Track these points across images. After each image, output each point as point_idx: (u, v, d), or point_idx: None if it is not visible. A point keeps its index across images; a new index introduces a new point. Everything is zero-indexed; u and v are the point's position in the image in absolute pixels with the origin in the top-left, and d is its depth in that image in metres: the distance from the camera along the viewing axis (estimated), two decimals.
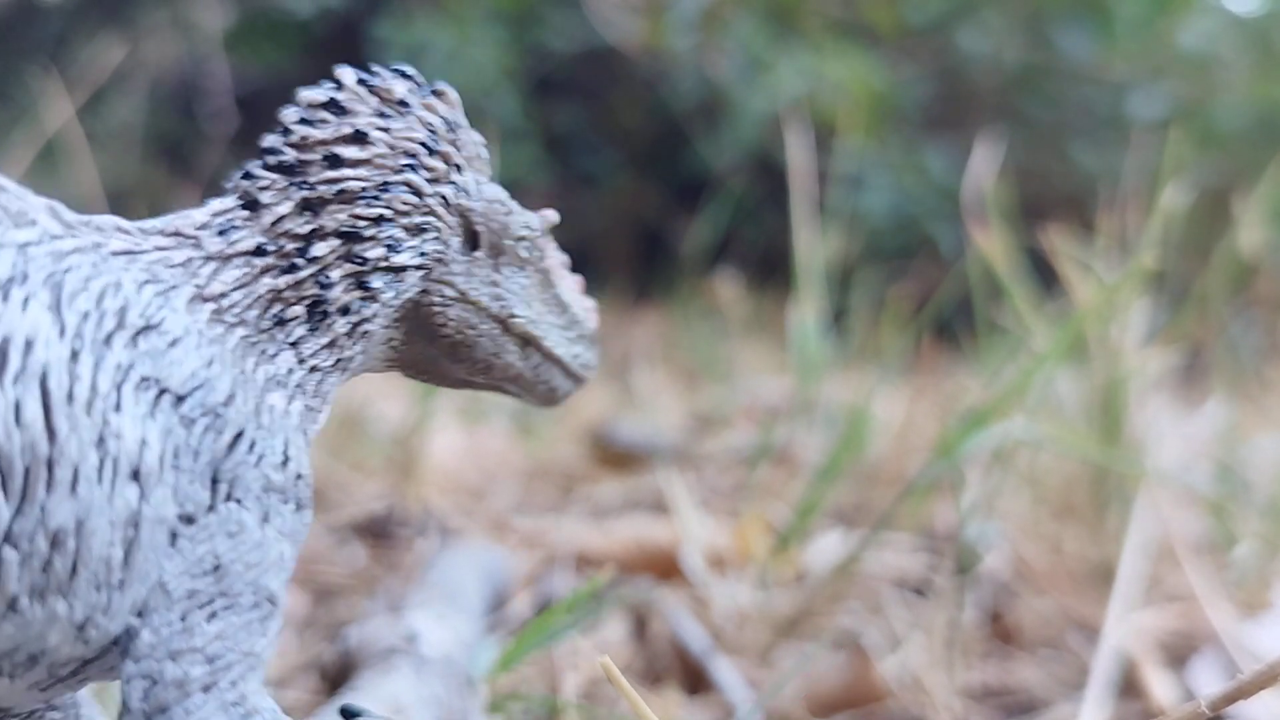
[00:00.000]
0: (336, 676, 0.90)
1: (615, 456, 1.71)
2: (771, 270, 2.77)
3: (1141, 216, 1.41)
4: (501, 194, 0.64)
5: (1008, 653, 1.11)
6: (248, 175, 0.59)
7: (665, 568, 1.23)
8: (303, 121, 0.59)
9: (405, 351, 0.63)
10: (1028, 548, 1.24)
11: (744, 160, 3.45)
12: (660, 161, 3.81)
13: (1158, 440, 1.31)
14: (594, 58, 3.83)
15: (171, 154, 3.74)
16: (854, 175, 2.87)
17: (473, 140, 0.64)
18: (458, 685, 0.85)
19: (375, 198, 0.59)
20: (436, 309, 0.62)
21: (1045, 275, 1.44)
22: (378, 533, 1.35)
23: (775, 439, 1.50)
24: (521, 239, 0.64)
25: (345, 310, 0.58)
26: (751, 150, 3.43)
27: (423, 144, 0.60)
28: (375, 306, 0.59)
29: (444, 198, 0.61)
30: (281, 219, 0.58)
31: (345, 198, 0.58)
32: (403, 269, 0.60)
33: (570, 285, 0.69)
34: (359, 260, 0.58)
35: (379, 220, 0.59)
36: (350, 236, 0.58)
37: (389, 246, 0.59)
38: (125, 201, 2.80)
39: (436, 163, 0.61)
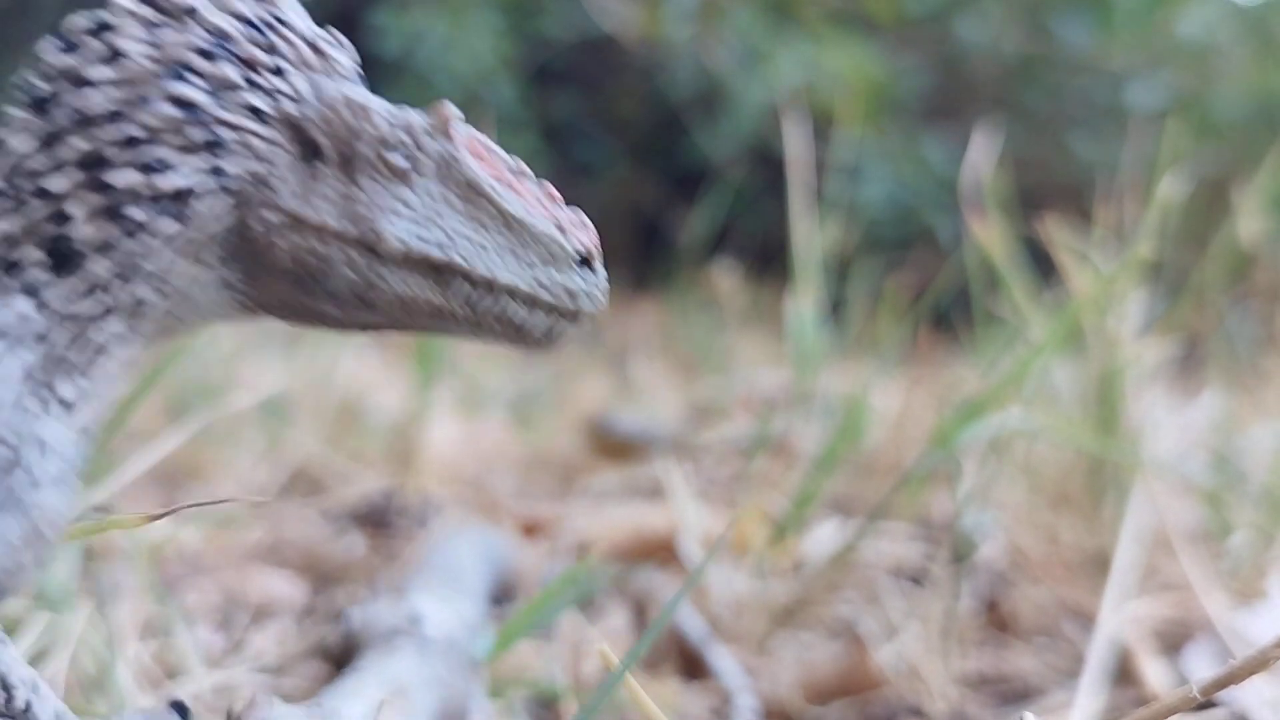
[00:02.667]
0: (340, 657, 0.90)
1: (613, 446, 1.71)
2: (769, 260, 2.77)
3: (1139, 207, 1.42)
4: (356, 93, 0.55)
5: (1003, 641, 1.12)
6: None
7: (663, 556, 1.24)
8: (60, 50, 0.53)
9: (257, 293, 0.55)
10: (1024, 537, 1.24)
11: (742, 150, 3.45)
12: (658, 151, 3.81)
13: (1154, 430, 1.31)
14: (592, 47, 3.83)
15: None
16: (852, 165, 2.87)
17: (305, 36, 0.56)
18: (460, 666, 0.86)
19: (124, 116, 0.51)
20: (262, 238, 0.53)
21: (1043, 265, 1.44)
22: (376, 522, 1.36)
23: (773, 429, 1.50)
24: (390, 144, 0.55)
25: (106, 249, 0.51)
26: (750, 140, 3.44)
27: (198, 49, 0.52)
28: (151, 242, 0.51)
29: (251, 107, 0.53)
30: (23, 158, 0.51)
31: (88, 123, 0.51)
32: (182, 195, 0.51)
33: (529, 195, 0.58)
34: (106, 189, 0.51)
35: (130, 142, 0.51)
36: (94, 163, 0.51)
37: (148, 170, 0.51)
38: None
39: (224, 69, 0.52)
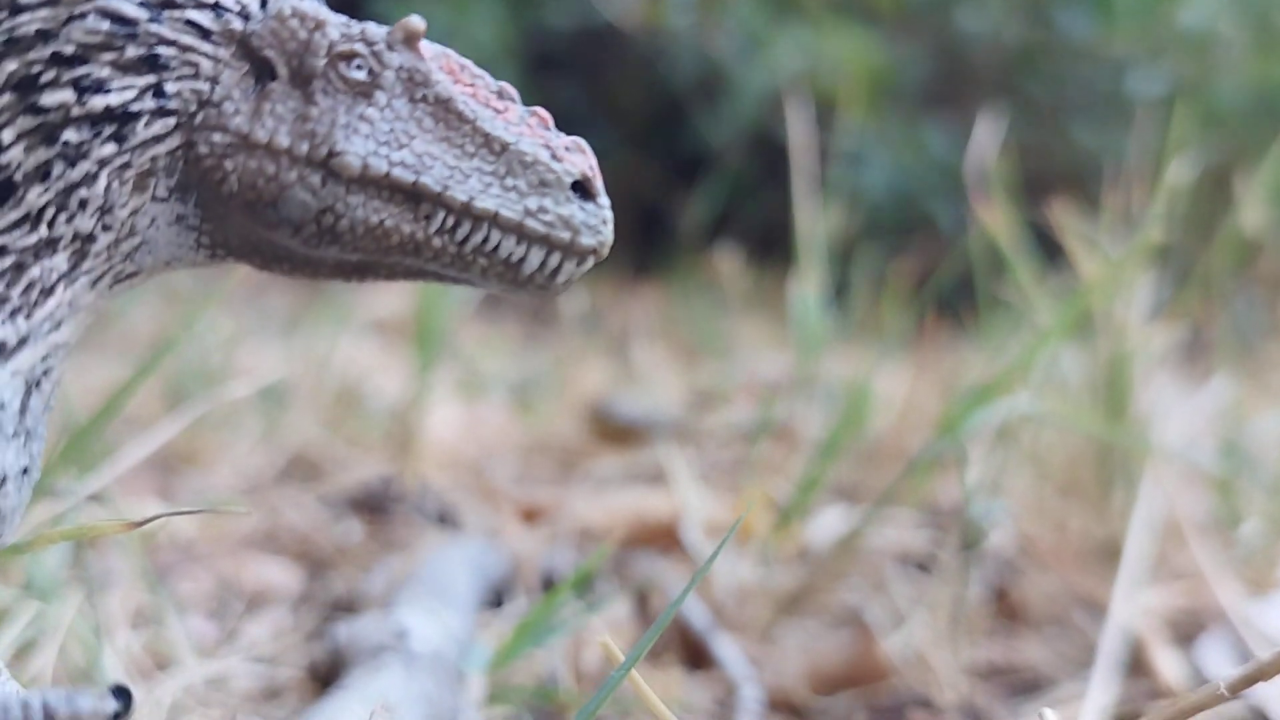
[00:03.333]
0: (327, 675, 0.88)
1: (615, 431, 1.70)
2: (771, 246, 2.75)
3: (1144, 193, 1.40)
4: (308, 6, 0.52)
5: (1013, 630, 1.10)
6: None
7: (665, 543, 1.22)
8: None
9: (215, 231, 0.51)
10: (1032, 524, 1.23)
11: (743, 137, 3.44)
12: (659, 138, 3.80)
13: (1163, 417, 1.30)
14: (593, 35, 3.81)
15: None
16: (854, 152, 2.85)
17: None
18: (448, 681, 0.84)
19: (52, 35, 0.48)
20: (209, 161, 0.50)
21: (1049, 250, 1.43)
22: (374, 507, 1.34)
23: (776, 414, 1.49)
24: (346, 55, 0.51)
25: (42, 176, 0.48)
26: (751, 127, 3.42)
27: None
28: (86, 166, 0.48)
29: (193, 24, 0.49)
30: None
31: (18, 46, 0.48)
32: (119, 116, 0.48)
33: (515, 119, 0.53)
34: (37, 110, 0.48)
35: (60, 59, 0.48)
36: (24, 85, 0.47)
37: (80, 89, 0.48)
38: None
39: None
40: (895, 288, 1.75)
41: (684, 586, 1.09)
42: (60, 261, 0.49)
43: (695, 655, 1.01)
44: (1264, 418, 1.61)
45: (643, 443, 1.63)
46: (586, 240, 0.52)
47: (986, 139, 1.47)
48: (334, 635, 0.90)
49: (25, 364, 0.48)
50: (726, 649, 1.00)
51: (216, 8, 0.50)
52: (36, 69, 0.48)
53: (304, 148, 0.50)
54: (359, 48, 0.52)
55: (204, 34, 0.50)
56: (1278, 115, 3.56)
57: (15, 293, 0.48)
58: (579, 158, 0.53)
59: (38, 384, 0.49)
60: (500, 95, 0.53)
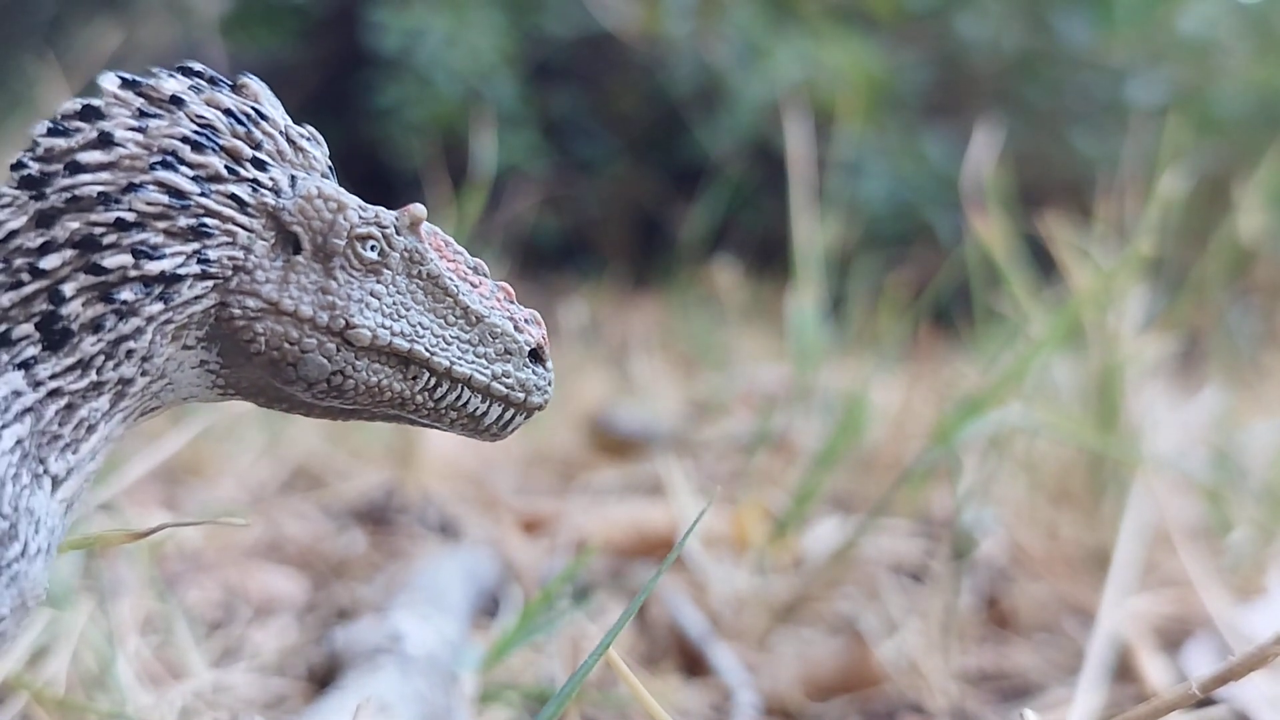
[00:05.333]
0: (324, 677, 0.91)
1: (614, 443, 1.71)
2: (769, 257, 2.77)
3: (1140, 202, 1.42)
4: (331, 189, 0.58)
5: (1004, 637, 1.12)
6: None
7: (663, 553, 1.24)
8: (52, 133, 0.54)
9: (232, 376, 0.57)
10: (1024, 533, 1.24)
11: (742, 147, 3.45)
12: (658, 148, 3.81)
13: (1154, 426, 1.32)
14: (592, 44, 3.82)
15: None
16: (852, 162, 2.87)
17: (285, 132, 0.58)
18: (441, 682, 0.87)
19: (115, 201, 0.53)
20: (240, 322, 0.55)
21: (1043, 262, 1.44)
22: (377, 519, 1.36)
23: (773, 426, 1.51)
24: (363, 238, 0.57)
25: (95, 328, 0.53)
26: (749, 137, 3.43)
27: (186, 139, 0.54)
28: (136, 322, 0.53)
29: (234, 197, 0.55)
30: (13, 234, 0.53)
31: (80, 205, 0.53)
32: (168, 278, 0.53)
33: (488, 293, 0.60)
34: (98, 270, 0.53)
35: (119, 225, 0.53)
36: (87, 245, 0.53)
37: (138, 253, 0.53)
38: None
39: (210, 159, 0.55)
40: (892, 299, 1.77)
41: (682, 596, 1.12)
42: (104, 403, 0.54)
43: (692, 662, 1.03)
44: (1255, 427, 1.63)
45: (641, 454, 1.64)
46: (536, 399, 0.61)
47: (984, 150, 1.48)
48: (331, 639, 0.92)
49: (70, 492, 0.54)
50: (723, 656, 1.01)
51: (255, 184, 0.56)
52: (99, 230, 0.53)
53: (325, 319, 0.56)
54: (374, 231, 0.57)
55: (242, 207, 0.56)
56: (1276, 122, 3.57)
57: (67, 430, 0.53)
58: (535, 330, 0.61)
59: (71, 505, 0.55)
60: (476, 270, 0.60)
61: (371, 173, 3.53)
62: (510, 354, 0.60)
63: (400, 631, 0.90)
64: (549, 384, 0.62)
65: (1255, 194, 1.65)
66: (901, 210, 3.46)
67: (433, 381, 0.59)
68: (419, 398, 0.59)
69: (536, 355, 0.61)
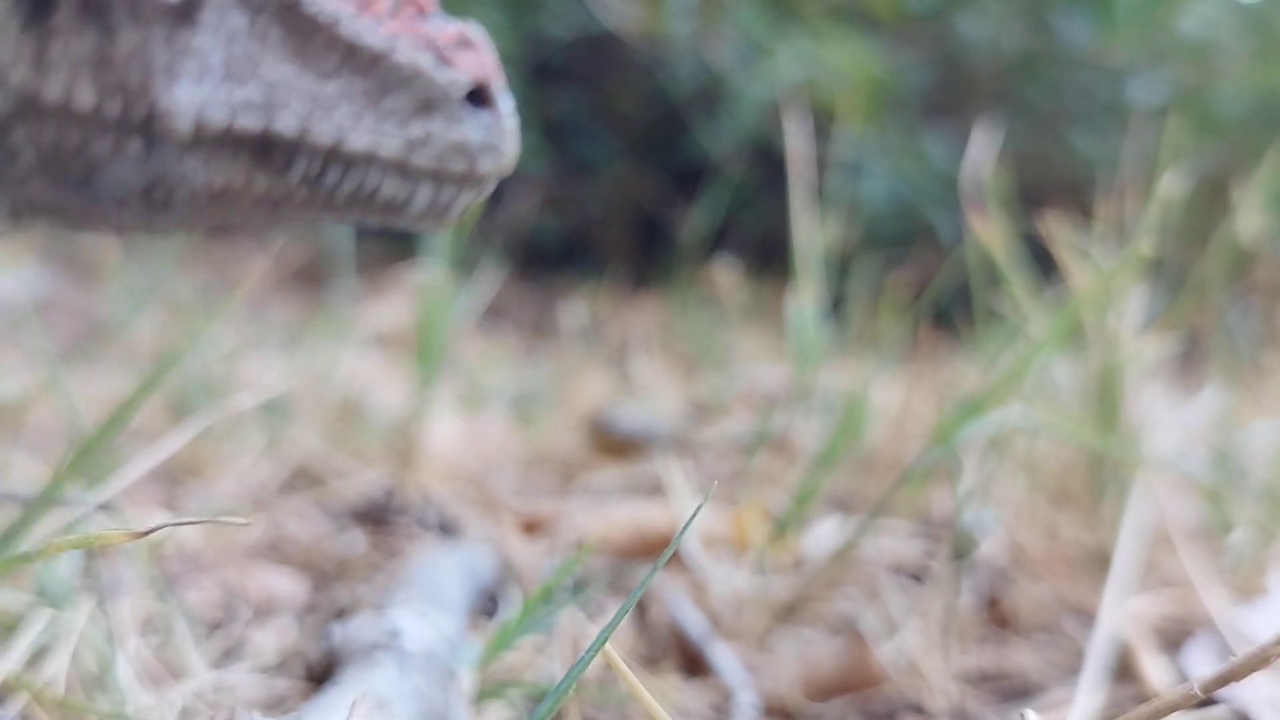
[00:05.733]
0: (322, 673, 0.91)
1: (614, 444, 1.71)
2: (770, 257, 2.77)
3: (1140, 203, 1.42)
4: None
5: (1004, 637, 1.12)
6: None
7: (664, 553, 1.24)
8: None
9: (17, 195, 0.39)
10: (1024, 533, 1.24)
11: (743, 147, 3.45)
12: (659, 148, 3.81)
13: (1154, 427, 1.32)
14: (592, 44, 3.83)
15: None
16: (853, 162, 2.87)
17: None
18: (439, 679, 0.87)
19: None
20: None
21: (1043, 262, 1.44)
22: (377, 519, 1.36)
23: (773, 426, 1.51)
24: None
25: None
26: (750, 137, 3.43)
27: None
28: None
29: None
30: None
31: None
32: None
33: (384, 12, 0.39)
34: None
35: None
36: None
37: None
38: None
39: None
40: (892, 299, 1.77)
41: (683, 596, 1.12)
42: None
43: (692, 662, 1.03)
44: (1256, 427, 1.63)
45: (642, 454, 1.64)
46: (485, 164, 0.42)
47: (984, 150, 1.48)
48: (329, 635, 0.92)
49: None
50: (723, 656, 1.01)
51: None
52: None
53: (115, 106, 0.37)
54: None
55: None
56: (1277, 123, 3.57)
57: None
58: (469, 57, 0.41)
59: None
60: None
61: None
62: (432, 104, 0.41)
63: (398, 628, 0.90)
64: (503, 134, 0.42)
65: (1255, 194, 1.65)
66: (902, 210, 3.46)
67: (314, 167, 0.39)
68: (300, 192, 0.40)
69: (479, 96, 0.42)
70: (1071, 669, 1.02)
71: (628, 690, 0.64)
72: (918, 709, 0.97)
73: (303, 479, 1.52)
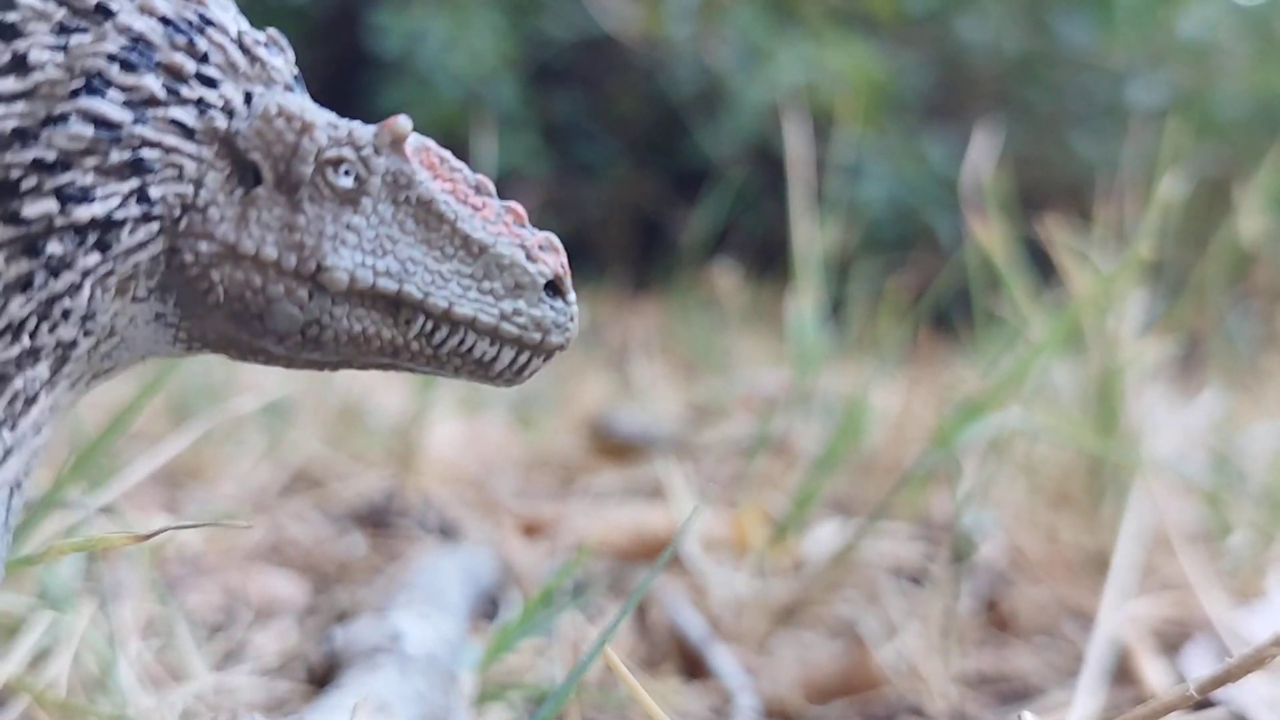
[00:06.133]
0: (323, 676, 0.91)
1: (614, 447, 1.72)
2: (770, 260, 2.77)
3: (1140, 206, 1.42)
4: (294, 105, 0.49)
5: (1003, 640, 1.12)
6: None
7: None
8: None
9: (194, 328, 0.50)
10: (1023, 536, 1.24)
11: (743, 150, 3.46)
12: (659, 151, 3.82)
13: (1154, 430, 1.32)
14: (592, 46, 3.83)
15: None
16: (853, 165, 2.87)
17: (238, 40, 0.50)
18: (441, 681, 0.87)
19: (32, 137, 0.45)
20: (194, 270, 0.48)
21: (1043, 265, 1.44)
22: (377, 522, 1.36)
23: (773, 429, 1.51)
24: (334, 162, 0.49)
25: (23, 287, 0.45)
26: (750, 140, 3.44)
27: (114, 57, 0.46)
28: (70, 277, 0.46)
29: (176, 122, 0.47)
30: None
31: None
32: (103, 224, 0.46)
33: (493, 216, 0.52)
34: (18, 220, 0.45)
35: (38, 166, 0.45)
36: (3, 190, 0.45)
37: (64, 198, 0.45)
38: None
39: (144, 79, 0.46)
40: (892, 302, 1.77)
41: (683, 599, 1.12)
42: (43, 370, 0.47)
43: (692, 665, 1.03)
44: (1255, 430, 1.63)
45: (641, 457, 1.65)
46: (555, 339, 0.54)
47: (983, 152, 1.49)
48: (330, 638, 0.92)
49: (11, 474, 0.47)
50: (723, 659, 1.02)
51: (200, 104, 0.48)
52: (16, 174, 0.46)
53: (292, 261, 0.48)
54: (347, 153, 0.49)
55: (188, 133, 0.48)
56: (1276, 125, 3.58)
57: (0, 405, 0.46)
58: (551, 257, 0.53)
59: (19, 485, 0.49)
60: (478, 190, 0.52)
61: None
62: (522, 288, 0.52)
63: (399, 630, 0.90)
64: (570, 320, 0.54)
65: (1255, 197, 1.65)
66: (902, 213, 3.47)
67: (429, 325, 0.50)
68: (415, 344, 0.51)
69: (554, 287, 0.53)
70: (1071, 671, 1.02)
71: (628, 693, 0.64)
72: (917, 711, 0.97)
73: (303, 482, 1.52)
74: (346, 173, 0.49)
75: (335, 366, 0.53)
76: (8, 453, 0.47)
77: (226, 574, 1.17)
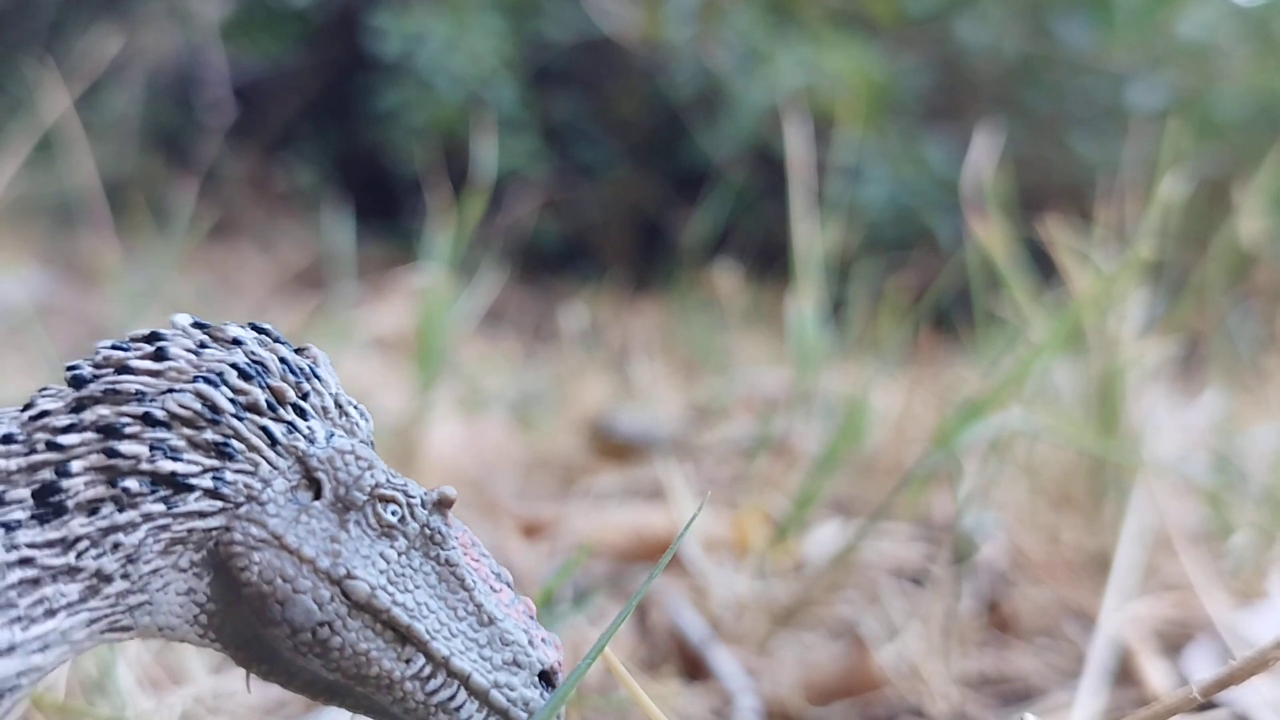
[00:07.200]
0: None
1: (614, 447, 1.71)
2: (770, 261, 2.77)
3: (1140, 206, 1.42)
4: (366, 452, 0.57)
5: (1004, 641, 1.12)
6: (44, 388, 0.55)
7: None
8: (114, 347, 0.55)
9: (216, 616, 0.55)
10: (1025, 537, 1.24)
11: (743, 151, 3.45)
12: (659, 153, 3.82)
13: (1155, 430, 1.32)
14: (592, 48, 3.83)
15: (169, 145, 3.74)
16: (853, 166, 2.87)
17: (335, 396, 0.58)
18: None
19: (150, 399, 0.53)
20: (239, 548, 0.54)
21: (1044, 266, 1.44)
22: None
23: (773, 430, 1.51)
24: (386, 499, 0.56)
25: (91, 511, 0.52)
26: (750, 141, 3.43)
27: (236, 367, 0.55)
28: (132, 515, 0.52)
29: (266, 430, 0.55)
30: (44, 414, 0.53)
31: (116, 398, 0.53)
32: (177, 481, 0.53)
33: (507, 601, 0.58)
34: (112, 453, 0.52)
35: (146, 419, 0.53)
36: (109, 431, 0.53)
37: (155, 448, 0.53)
38: (122, 192, 2.80)
39: (254, 390, 0.55)
40: (893, 303, 1.77)
41: (683, 600, 1.11)
42: (73, 591, 0.52)
43: (693, 666, 1.03)
44: (1256, 430, 1.63)
45: (642, 458, 1.64)
46: None
47: (984, 154, 1.49)
48: None
49: (1, 672, 0.50)
50: (724, 660, 1.01)
51: (291, 426, 0.56)
52: (125, 420, 0.53)
53: (326, 563, 0.54)
54: (399, 496, 0.56)
55: (272, 442, 0.55)
56: (1277, 126, 3.57)
57: (24, 604, 0.51)
58: (551, 652, 0.58)
59: (2, 696, 0.52)
60: (498, 577, 0.59)
61: (372, 177, 3.54)
62: (519, 666, 0.57)
63: None
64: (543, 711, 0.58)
65: (1256, 197, 1.65)
66: (902, 214, 3.46)
67: (427, 670, 0.55)
68: (409, 684, 0.55)
69: (546, 678, 0.58)
70: (1072, 672, 1.02)
71: (628, 695, 0.64)
72: (918, 712, 0.97)
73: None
74: (394, 512, 0.56)
75: (328, 696, 0.57)
76: (9, 649, 0.50)
77: None
